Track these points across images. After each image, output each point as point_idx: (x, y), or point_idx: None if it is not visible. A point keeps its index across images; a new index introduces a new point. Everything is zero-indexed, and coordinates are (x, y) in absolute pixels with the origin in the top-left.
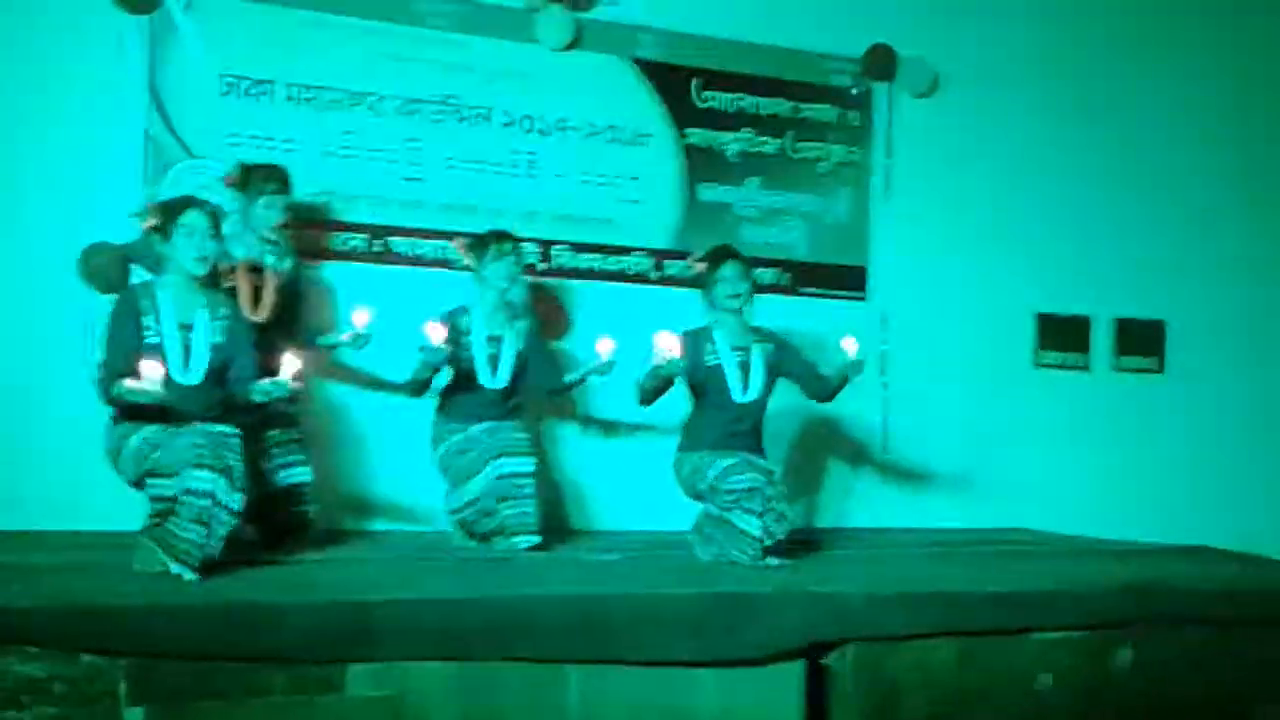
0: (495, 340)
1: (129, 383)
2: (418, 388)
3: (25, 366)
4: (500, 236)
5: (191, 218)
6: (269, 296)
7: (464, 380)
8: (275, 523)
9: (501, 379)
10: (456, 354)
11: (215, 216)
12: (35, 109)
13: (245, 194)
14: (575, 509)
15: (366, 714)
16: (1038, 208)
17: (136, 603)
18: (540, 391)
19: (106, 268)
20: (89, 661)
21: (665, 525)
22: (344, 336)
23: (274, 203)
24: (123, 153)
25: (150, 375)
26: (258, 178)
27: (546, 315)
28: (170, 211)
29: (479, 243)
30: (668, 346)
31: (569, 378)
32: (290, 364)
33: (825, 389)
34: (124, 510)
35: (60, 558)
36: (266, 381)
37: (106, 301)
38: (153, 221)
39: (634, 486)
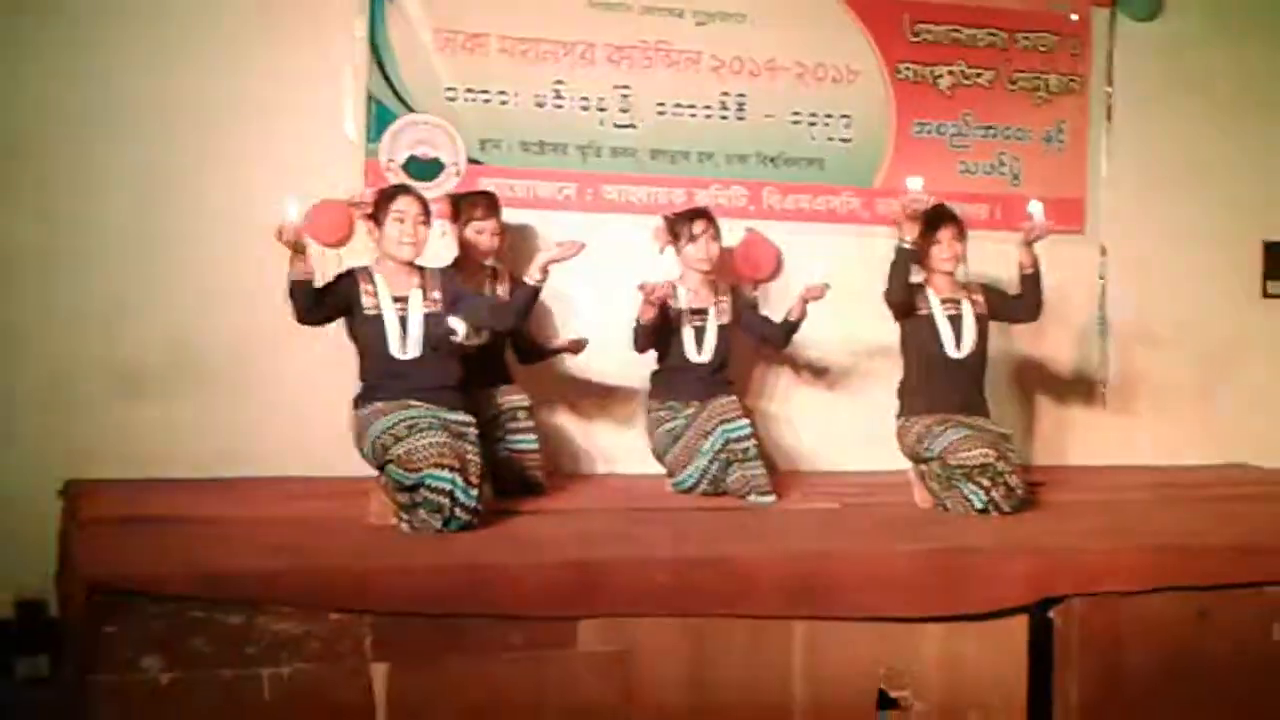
0: (700, 314)
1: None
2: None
3: (253, 321)
4: (694, 216)
5: (402, 204)
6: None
7: (672, 358)
8: (506, 483)
9: (707, 353)
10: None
11: (425, 202)
12: (262, 68)
13: (456, 223)
14: (791, 451)
15: (597, 668)
16: (1264, 133)
17: (381, 564)
18: (763, 344)
19: (334, 223)
20: (336, 619)
21: (882, 464)
22: (562, 343)
23: (484, 228)
24: (347, 110)
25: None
26: (465, 204)
27: (757, 259)
28: (383, 198)
29: (674, 224)
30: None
31: (790, 317)
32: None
33: (1028, 304)
34: (346, 458)
35: (297, 509)
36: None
37: (332, 256)
38: (366, 210)
39: (848, 426)
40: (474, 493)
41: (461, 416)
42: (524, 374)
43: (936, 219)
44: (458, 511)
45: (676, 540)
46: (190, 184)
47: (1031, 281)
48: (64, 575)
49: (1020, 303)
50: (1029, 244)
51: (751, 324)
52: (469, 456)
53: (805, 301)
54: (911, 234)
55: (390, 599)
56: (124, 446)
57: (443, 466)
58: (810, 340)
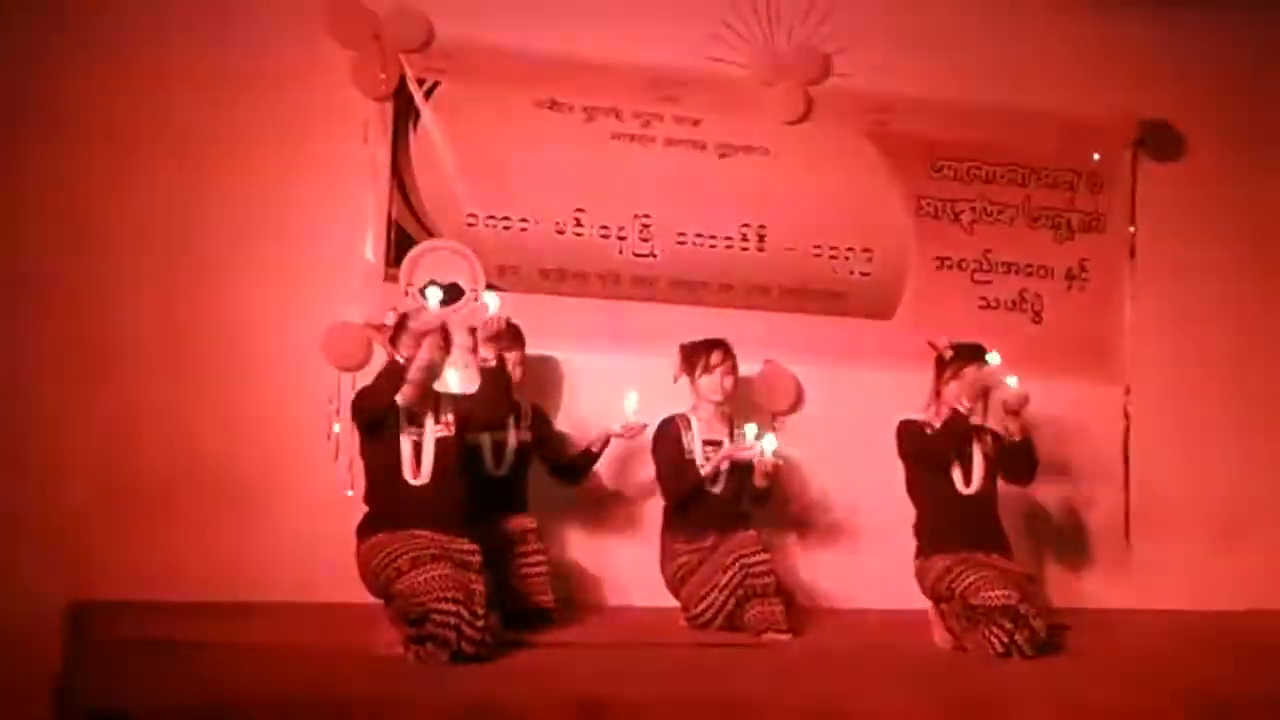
0: (714, 445)
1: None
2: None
3: (264, 443)
4: (711, 347)
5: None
6: (509, 454)
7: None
8: (516, 609)
9: (721, 485)
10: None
11: (446, 329)
12: (285, 192)
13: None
14: (809, 587)
15: None
16: None
17: (386, 696)
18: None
19: (351, 347)
20: None
21: (901, 603)
22: (620, 429)
23: (507, 360)
24: (367, 234)
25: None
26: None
27: (776, 390)
28: (402, 323)
29: (690, 353)
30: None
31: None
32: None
33: (1020, 468)
34: (355, 584)
35: (302, 637)
36: None
37: (346, 380)
38: (388, 335)
39: (867, 562)
40: (480, 624)
41: (466, 545)
42: (539, 501)
43: (969, 354)
44: (464, 645)
45: (688, 678)
46: (206, 304)
47: (1023, 448)
48: (64, 700)
49: (1013, 465)
50: (1012, 414)
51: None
52: (474, 587)
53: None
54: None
55: None
56: (129, 567)
57: (447, 599)
58: (829, 475)
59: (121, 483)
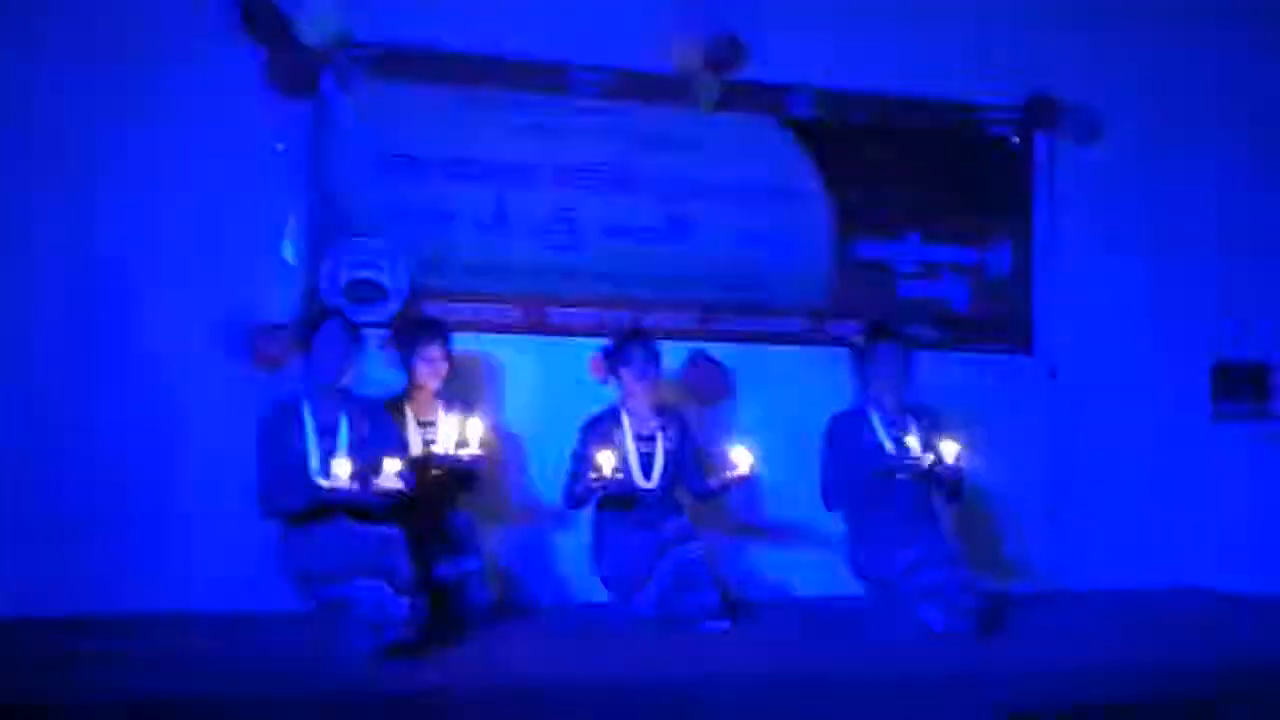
0: (648, 440)
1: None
2: (575, 504)
3: (190, 446)
4: (629, 338)
5: (326, 330)
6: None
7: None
8: (449, 608)
9: (655, 479)
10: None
11: (352, 328)
12: (203, 192)
13: (402, 351)
14: (745, 576)
15: None
16: (1209, 254)
17: (310, 691)
18: (687, 494)
19: (272, 349)
20: None
21: (838, 589)
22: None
23: (431, 355)
24: (287, 232)
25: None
26: (410, 332)
27: (706, 381)
28: (309, 325)
29: (614, 351)
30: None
31: (713, 485)
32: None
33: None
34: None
35: (230, 639)
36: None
37: (268, 381)
38: (299, 341)
39: (802, 550)
40: (404, 602)
41: (388, 529)
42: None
43: (875, 333)
44: (389, 626)
45: (625, 668)
46: (124, 307)
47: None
48: None
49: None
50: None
51: (685, 470)
52: (395, 564)
53: (729, 485)
54: None
55: None
56: (47, 583)
57: (366, 573)
58: (759, 464)
59: (29, 497)
